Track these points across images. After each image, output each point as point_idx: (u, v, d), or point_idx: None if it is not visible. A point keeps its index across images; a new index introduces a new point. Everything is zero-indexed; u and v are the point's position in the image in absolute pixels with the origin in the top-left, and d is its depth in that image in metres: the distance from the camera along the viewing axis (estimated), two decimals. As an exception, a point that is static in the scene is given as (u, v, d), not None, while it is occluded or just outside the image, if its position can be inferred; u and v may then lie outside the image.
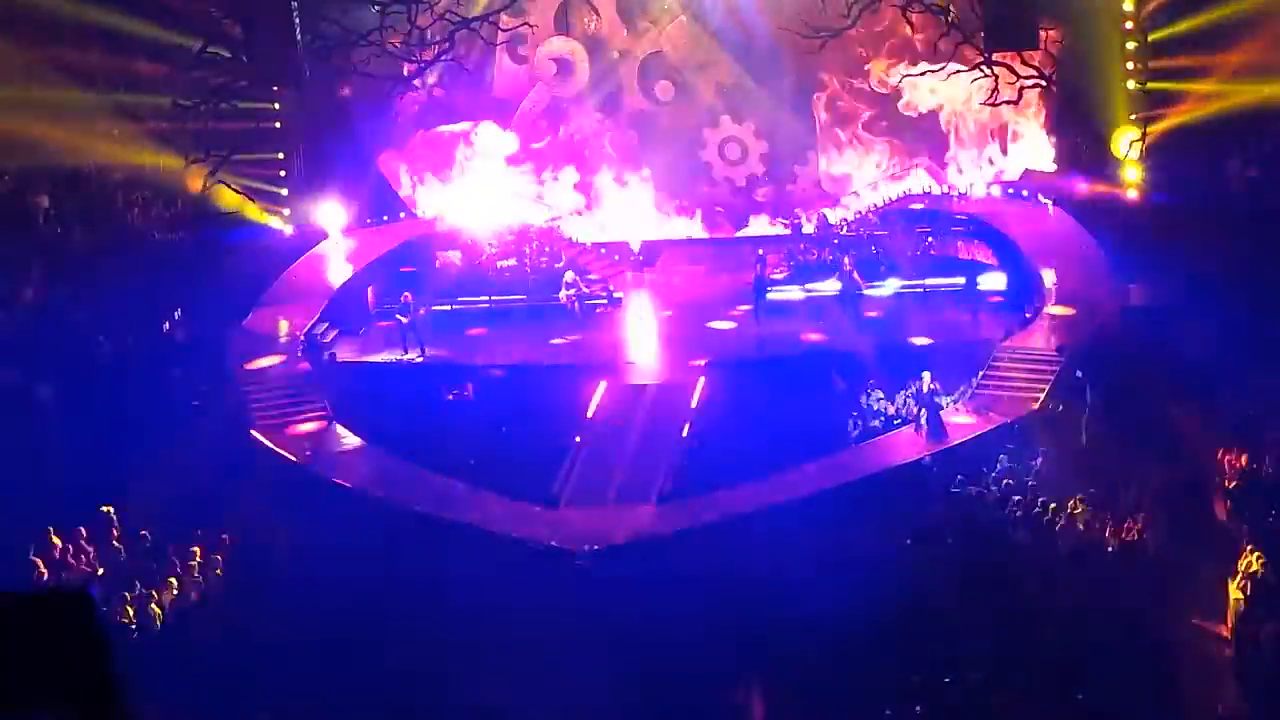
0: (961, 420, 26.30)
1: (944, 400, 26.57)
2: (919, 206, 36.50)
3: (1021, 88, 33.60)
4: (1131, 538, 22.14)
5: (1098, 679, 19.02)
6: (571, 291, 32.96)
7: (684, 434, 26.58)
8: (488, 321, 33.12)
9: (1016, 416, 25.97)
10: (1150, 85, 33.08)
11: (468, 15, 35.53)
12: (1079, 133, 35.35)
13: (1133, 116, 34.02)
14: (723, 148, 39.52)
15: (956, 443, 25.48)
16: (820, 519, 23.17)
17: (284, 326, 31.02)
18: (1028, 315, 29.77)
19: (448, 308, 33.26)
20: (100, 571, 22.67)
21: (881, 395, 27.10)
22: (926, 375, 26.20)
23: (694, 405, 27.42)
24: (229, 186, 33.96)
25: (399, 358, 30.47)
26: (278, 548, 23.31)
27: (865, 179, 38.63)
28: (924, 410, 25.97)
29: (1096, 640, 19.93)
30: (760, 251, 33.77)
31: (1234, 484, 23.53)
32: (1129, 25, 33.54)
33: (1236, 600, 20.13)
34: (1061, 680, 19.14)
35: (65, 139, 31.58)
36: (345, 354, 30.89)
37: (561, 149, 39.51)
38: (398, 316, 31.10)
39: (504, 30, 36.17)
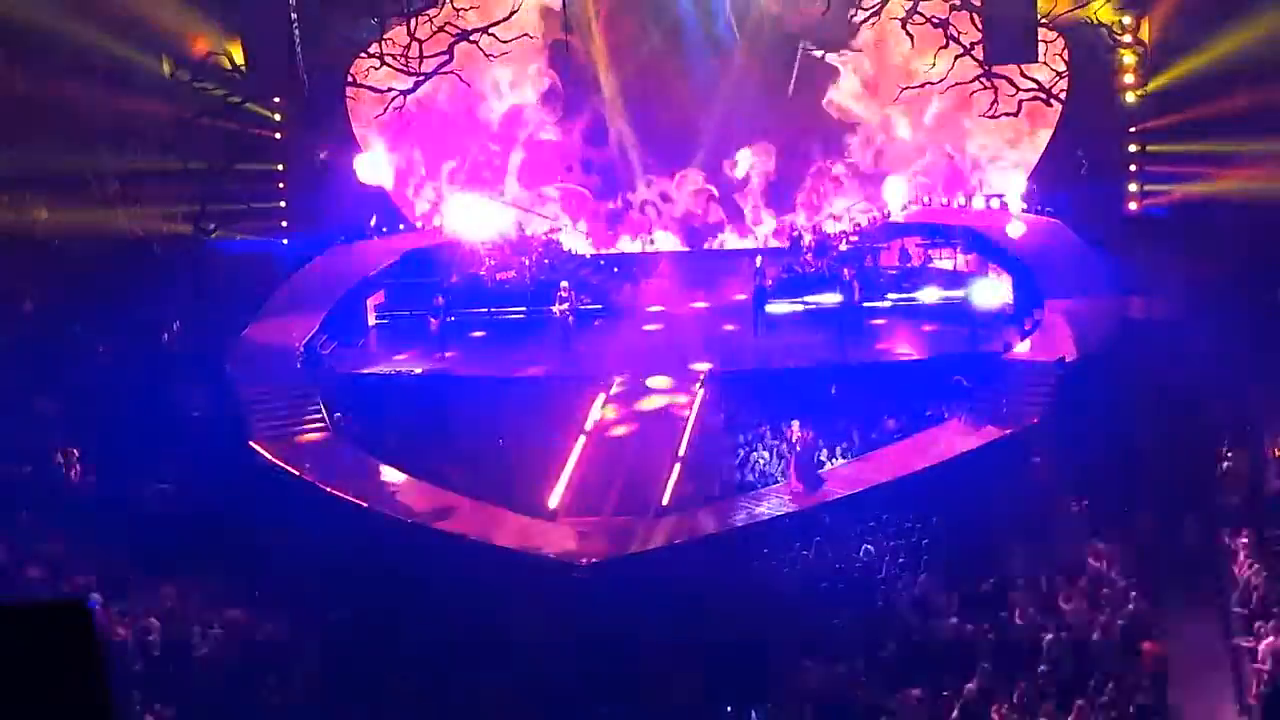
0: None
1: (820, 452, 25.74)
2: (918, 219, 36.52)
3: (1021, 100, 33.68)
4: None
5: (1093, 695, 19.00)
6: (565, 306, 32.87)
7: (682, 447, 26.53)
8: (487, 332, 33.15)
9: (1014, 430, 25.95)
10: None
11: (467, 28, 35.56)
12: (1078, 144, 35.36)
13: (1132, 129, 34.10)
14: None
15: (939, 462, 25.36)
16: (819, 532, 23.17)
17: (283, 337, 30.99)
18: (1027, 328, 29.76)
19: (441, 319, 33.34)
20: None
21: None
22: (796, 424, 25.39)
23: (692, 418, 27.40)
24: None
25: (395, 369, 30.48)
26: (275, 558, 23.25)
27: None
28: (793, 461, 24.98)
29: (1094, 656, 19.94)
30: (760, 264, 33.77)
31: (1234, 497, 23.53)
32: (1127, 38, 33.59)
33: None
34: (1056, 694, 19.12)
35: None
36: (344, 365, 30.86)
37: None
38: (430, 319, 31.37)
39: (503, 43, 36.16)
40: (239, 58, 33.37)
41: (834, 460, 26.02)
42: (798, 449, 25.02)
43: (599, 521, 24.61)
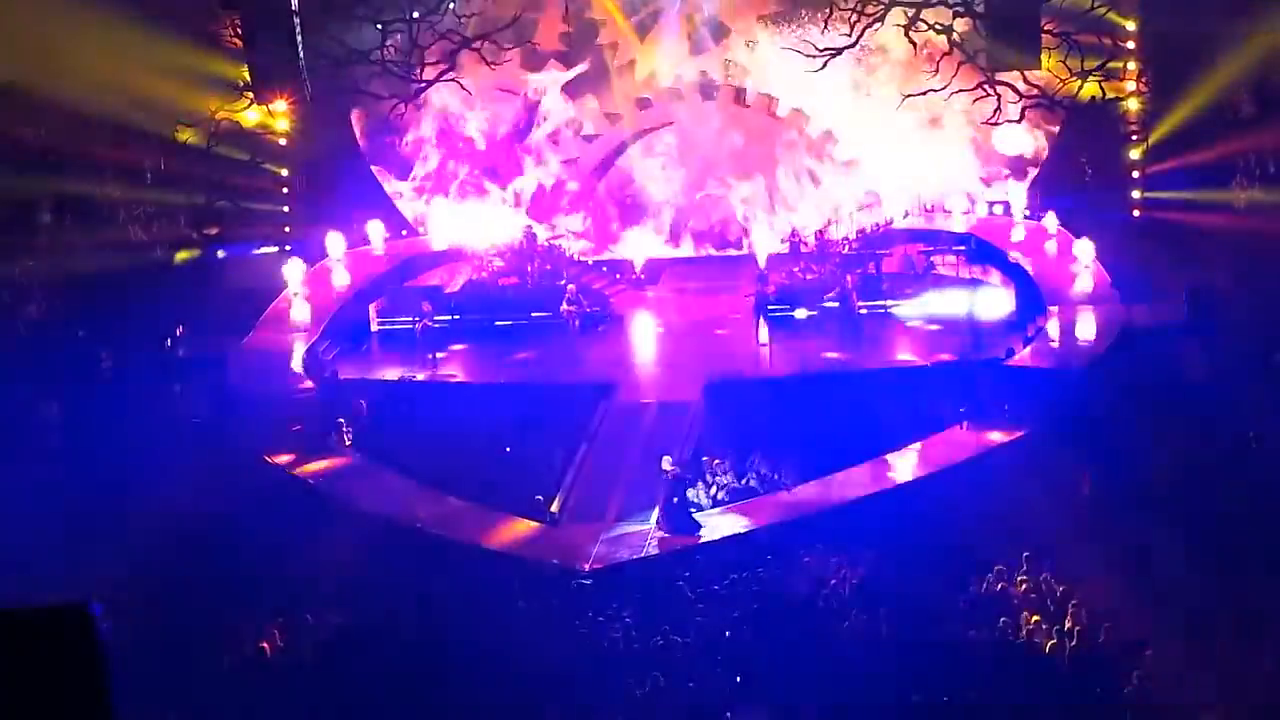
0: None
1: (700, 492, 24.86)
2: (921, 225, 36.54)
3: (1024, 107, 33.69)
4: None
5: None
6: (572, 307, 32.99)
7: (682, 453, 26.49)
8: (489, 338, 33.15)
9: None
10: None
11: (470, 35, 35.61)
12: (1082, 151, 35.38)
13: (1134, 136, 34.11)
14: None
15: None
16: (820, 539, 23.11)
17: (285, 344, 31.01)
18: (1029, 334, 29.75)
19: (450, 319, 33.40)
20: None
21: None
22: (666, 460, 24.46)
23: (694, 424, 27.37)
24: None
25: (415, 373, 30.54)
26: (275, 564, 23.21)
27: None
28: (665, 498, 23.93)
29: (1095, 662, 19.91)
30: (762, 270, 33.79)
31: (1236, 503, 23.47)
32: (1130, 45, 33.62)
33: None
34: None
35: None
36: (347, 372, 30.84)
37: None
38: (414, 325, 31.45)
39: (506, 49, 36.22)
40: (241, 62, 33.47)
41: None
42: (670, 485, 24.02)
43: (601, 527, 24.58)
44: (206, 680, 20.44)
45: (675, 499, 23.91)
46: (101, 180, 34.01)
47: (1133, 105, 34.13)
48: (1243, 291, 29.16)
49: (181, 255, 33.95)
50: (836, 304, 32.54)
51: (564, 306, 32.84)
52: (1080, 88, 33.10)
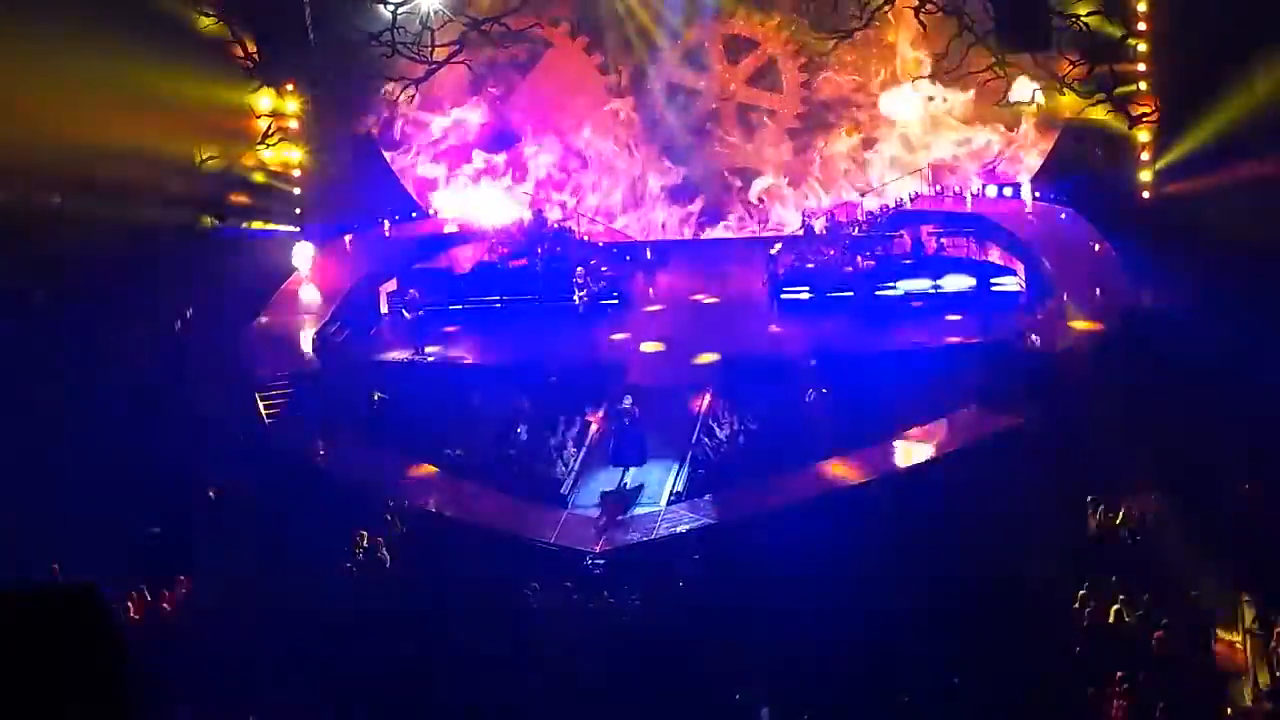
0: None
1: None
2: (931, 208, 36.47)
3: (1035, 90, 33.55)
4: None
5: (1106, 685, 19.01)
6: (583, 292, 32.94)
7: (693, 435, 26.52)
8: (498, 320, 33.16)
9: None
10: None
11: (479, 17, 35.50)
12: (1090, 133, 35.24)
13: (1145, 117, 33.92)
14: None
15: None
16: (827, 521, 23.13)
17: (297, 325, 31.06)
18: (1039, 317, 29.71)
19: (459, 307, 33.35)
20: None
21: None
22: (628, 399, 25.45)
23: (703, 406, 27.38)
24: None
25: (410, 356, 30.51)
26: (286, 544, 23.30)
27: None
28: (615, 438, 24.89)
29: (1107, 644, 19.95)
30: (773, 252, 33.76)
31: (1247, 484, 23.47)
32: (1142, 26, 33.44)
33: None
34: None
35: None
36: (357, 353, 30.87)
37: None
38: (403, 312, 31.34)
39: (515, 32, 36.12)
40: (251, 44, 33.41)
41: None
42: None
43: (611, 510, 24.63)
44: (216, 658, 20.55)
45: (623, 431, 24.66)
46: (108, 163, 33.98)
47: (1143, 86, 33.93)
48: (1253, 274, 29.06)
49: (206, 221, 33.87)
50: (846, 286, 32.52)
51: (577, 294, 32.79)
52: (1091, 70, 32.97)
